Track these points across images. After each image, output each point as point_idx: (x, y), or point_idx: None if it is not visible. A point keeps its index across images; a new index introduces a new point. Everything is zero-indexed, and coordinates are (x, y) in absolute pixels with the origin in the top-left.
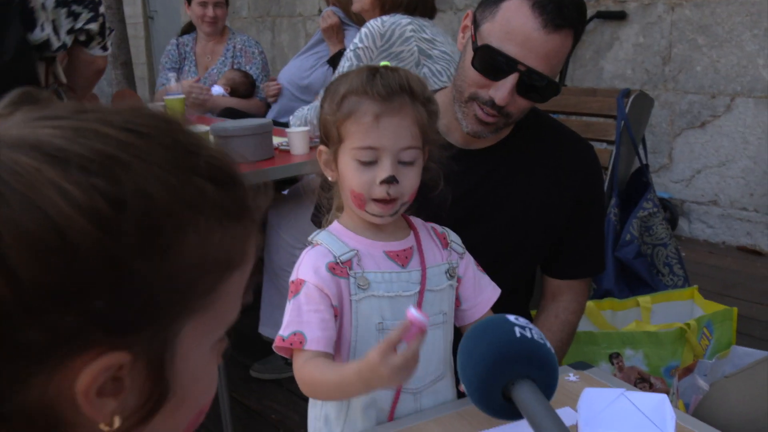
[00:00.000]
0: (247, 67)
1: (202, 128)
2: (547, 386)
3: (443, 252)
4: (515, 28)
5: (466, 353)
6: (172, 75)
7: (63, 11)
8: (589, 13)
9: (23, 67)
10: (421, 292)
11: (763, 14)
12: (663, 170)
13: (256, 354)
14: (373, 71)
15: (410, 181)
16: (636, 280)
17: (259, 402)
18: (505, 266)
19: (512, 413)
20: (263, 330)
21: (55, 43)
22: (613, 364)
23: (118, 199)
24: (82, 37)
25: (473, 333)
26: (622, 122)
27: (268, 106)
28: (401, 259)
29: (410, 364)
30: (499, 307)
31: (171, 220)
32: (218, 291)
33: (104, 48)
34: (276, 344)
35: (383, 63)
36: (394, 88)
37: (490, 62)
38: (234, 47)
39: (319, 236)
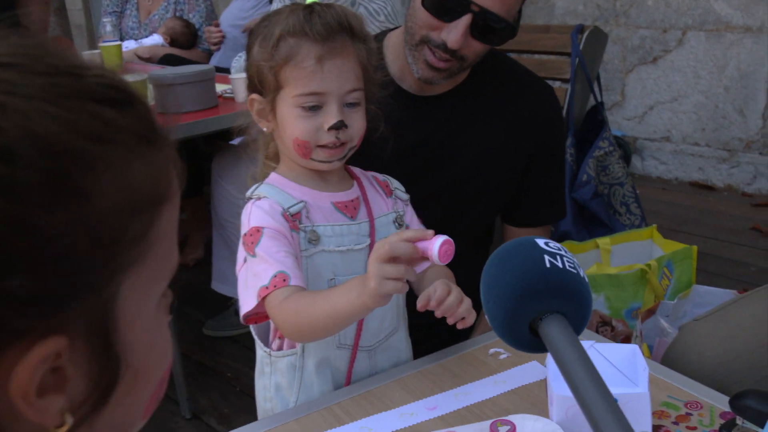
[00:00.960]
0: (190, 15)
1: (140, 76)
2: (579, 320)
3: (388, 201)
4: None
5: (490, 283)
6: (107, 21)
7: None
8: None
9: None
10: (371, 246)
11: None
12: (615, 107)
13: (209, 310)
14: (309, 9)
15: (358, 123)
16: (593, 221)
17: (213, 360)
18: (464, 215)
19: (539, 347)
20: (216, 286)
21: None
22: None
23: (2, 150)
24: None
25: (498, 259)
26: (577, 59)
27: (211, 56)
28: (350, 210)
29: (396, 271)
30: (458, 257)
31: (75, 160)
32: (152, 234)
33: None
34: (258, 298)
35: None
36: (333, 26)
37: (441, 2)
38: None
39: (261, 189)
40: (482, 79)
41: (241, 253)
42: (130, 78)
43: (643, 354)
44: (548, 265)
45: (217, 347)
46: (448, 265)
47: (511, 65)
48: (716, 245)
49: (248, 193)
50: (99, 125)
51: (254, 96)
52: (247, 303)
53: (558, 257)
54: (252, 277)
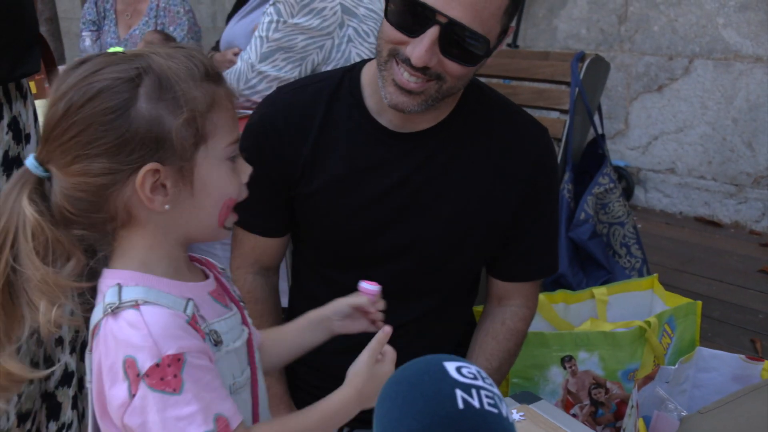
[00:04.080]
0: (171, 29)
1: None
2: None
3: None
4: None
5: (385, 427)
6: (86, 35)
7: None
8: None
9: None
10: (250, 336)
11: None
12: (618, 136)
13: None
14: (183, 51)
15: None
16: (590, 262)
17: None
18: (443, 267)
19: None
20: None
21: None
22: (565, 368)
23: None
24: None
25: (396, 393)
26: (577, 89)
27: None
28: (222, 298)
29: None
30: (438, 313)
31: None
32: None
33: None
34: None
35: (113, 49)
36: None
37: (405, 13)
38: (157, 5)
39: (134, 293)
40: (469, 116)
41: (122, 389)
42: None
43: (639, 430)
44: (461, 405)
45: None
46: (428, 323)
47: (499, 101)
48: (722, 288)
49: (108, 302)
50: None
51: (151, 166)
52: None
53: (474, 391)
54: (175, 421)
